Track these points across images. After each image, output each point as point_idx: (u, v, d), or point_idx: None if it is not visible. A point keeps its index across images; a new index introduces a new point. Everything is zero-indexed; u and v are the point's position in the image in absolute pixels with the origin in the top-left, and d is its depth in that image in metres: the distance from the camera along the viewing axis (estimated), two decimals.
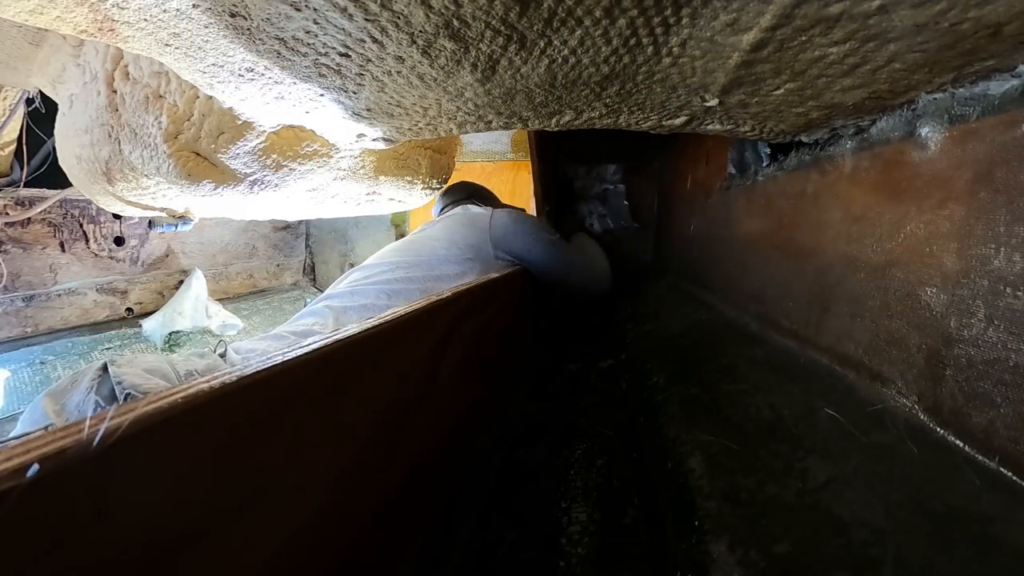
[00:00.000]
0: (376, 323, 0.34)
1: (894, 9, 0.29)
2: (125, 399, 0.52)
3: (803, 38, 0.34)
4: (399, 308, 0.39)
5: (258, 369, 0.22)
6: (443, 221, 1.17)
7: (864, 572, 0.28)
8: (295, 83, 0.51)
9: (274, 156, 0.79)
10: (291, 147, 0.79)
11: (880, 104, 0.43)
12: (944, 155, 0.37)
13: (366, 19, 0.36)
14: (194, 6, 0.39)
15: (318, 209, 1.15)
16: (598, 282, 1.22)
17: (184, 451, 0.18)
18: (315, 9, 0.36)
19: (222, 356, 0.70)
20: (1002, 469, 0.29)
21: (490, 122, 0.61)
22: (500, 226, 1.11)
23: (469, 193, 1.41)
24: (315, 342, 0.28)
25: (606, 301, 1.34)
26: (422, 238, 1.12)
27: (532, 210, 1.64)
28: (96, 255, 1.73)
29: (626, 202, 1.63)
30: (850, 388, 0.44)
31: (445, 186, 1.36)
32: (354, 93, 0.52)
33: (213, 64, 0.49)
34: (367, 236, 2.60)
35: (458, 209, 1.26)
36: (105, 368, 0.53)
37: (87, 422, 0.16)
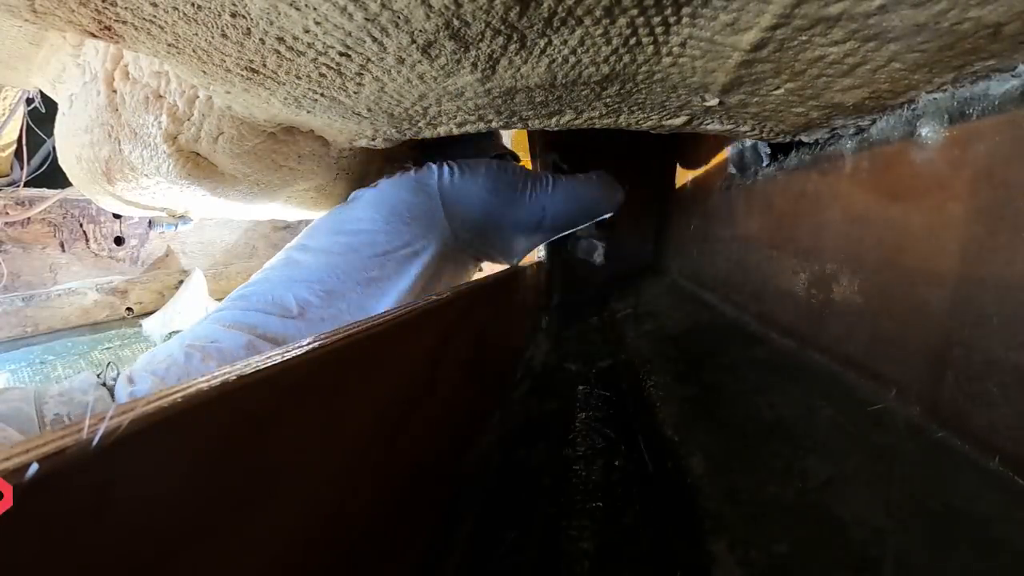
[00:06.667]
0: (376, 323, 0.34)
1: (894, 9, 0.29)
2: None
3: (803, 38, 0.34)
4: (398, 308, 0.39)
5: (258, 369, 0.22)
6: (376, 188, 0.83)
7: (864, 572, 0.28)
8: (295, 82, 0.51)
9: (274, 156, 0.79)
10: (291, 147, 0.79)
11: (880, 104, 0.43)
12: (944, 155, 0.37)
13: (366, 19, 0.36)
14: (195, 6, 0.39)
15: (318, 209, 1.14)
16: (608, 204, 1.08)
17: (184, 451, 0.18)
18: (315, 9, 0.36)
19: (111, 388, 0.60)
20: (1002, 469, 0.29)
21: (490, 122, 0.61)
22: (451, 188, 0.77)
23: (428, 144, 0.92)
24: (315, 342, 0.28)
25: (605, 301, 1.33)
26: (342, 222, 0.80)
27: None
28: (96, 255, 1.73)
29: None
30: (850, 388, 0.44)
31: None
32: (354, 93, 0.52)
33: (213, 64, 0.49)
34: None
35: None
36: None
37: (86, 422, 0.16)
